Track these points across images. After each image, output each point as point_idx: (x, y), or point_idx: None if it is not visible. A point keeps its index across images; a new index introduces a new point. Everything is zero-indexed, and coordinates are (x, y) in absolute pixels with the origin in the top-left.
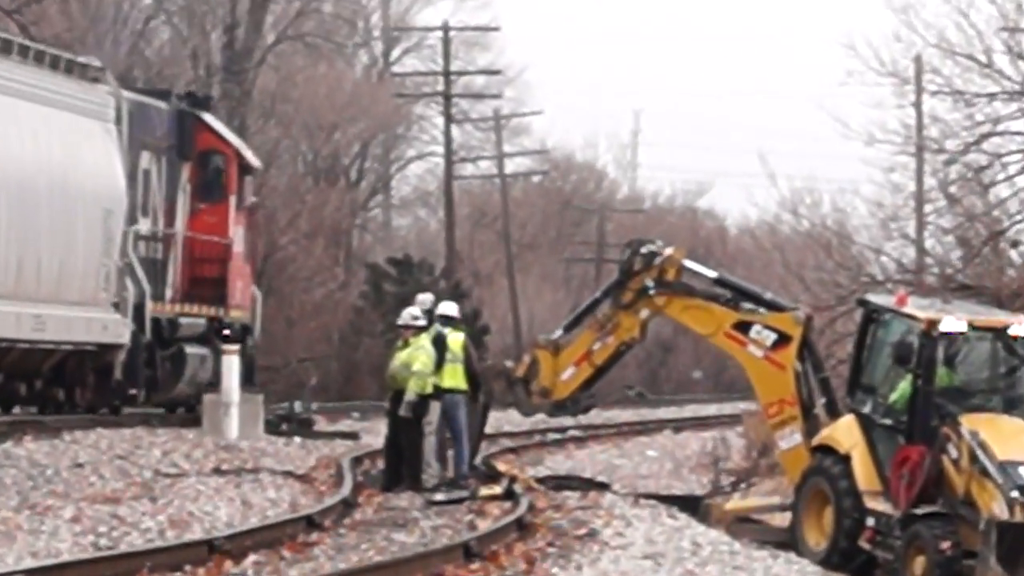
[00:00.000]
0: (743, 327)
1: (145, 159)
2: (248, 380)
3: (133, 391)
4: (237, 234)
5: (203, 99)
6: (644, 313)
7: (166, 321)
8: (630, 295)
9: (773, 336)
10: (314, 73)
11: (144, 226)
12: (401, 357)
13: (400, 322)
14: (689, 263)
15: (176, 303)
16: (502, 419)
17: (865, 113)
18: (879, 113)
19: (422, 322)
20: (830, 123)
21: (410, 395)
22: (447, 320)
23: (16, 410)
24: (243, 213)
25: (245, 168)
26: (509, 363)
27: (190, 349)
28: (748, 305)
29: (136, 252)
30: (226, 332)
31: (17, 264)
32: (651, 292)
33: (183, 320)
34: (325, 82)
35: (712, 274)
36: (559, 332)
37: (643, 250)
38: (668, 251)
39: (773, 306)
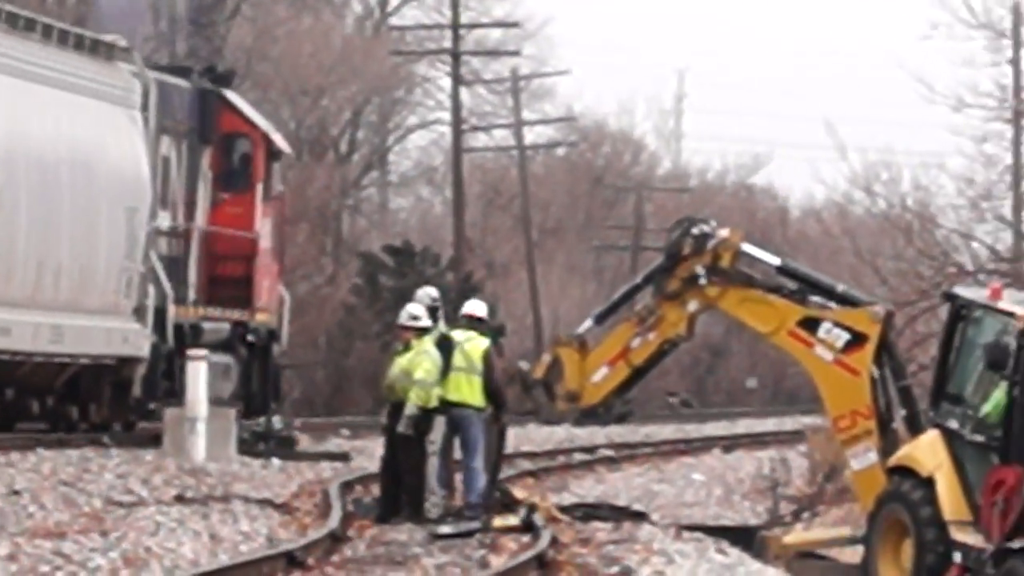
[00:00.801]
0: (810, 325)
1: (165, 145)
2: (274, 395)
3: (152, 405)
4: (264, 228)
5: (225, 75)
6: (693, 305)
7: (188, 327)
8: (677, 284)
9: (846, 336)
10: (297, 26)
11: (164, 221)
12: (401, 363)
13: (399, 322)
14: (748, 247)
15: (198, 306)
16: (520, 436)
17: (953, 73)
18: (969, 73)
19: (425, 322)
20: (911, 85)
21: (411, 408)
22: (473, 321)
23: None
24: (270, 204)
25: (273, 153)
26: (524, 364)
27: (213, 357)
28: (817, 299)
29: (156, 250)
30: (250, 338)
31: (37, 269)
32: (702, 281)
33: (206, 325)
34: (310, 37)
35: (775, 261)
36: (588, 324)
37: (694, 231)
38: (723, 233)
39: (846, 300)
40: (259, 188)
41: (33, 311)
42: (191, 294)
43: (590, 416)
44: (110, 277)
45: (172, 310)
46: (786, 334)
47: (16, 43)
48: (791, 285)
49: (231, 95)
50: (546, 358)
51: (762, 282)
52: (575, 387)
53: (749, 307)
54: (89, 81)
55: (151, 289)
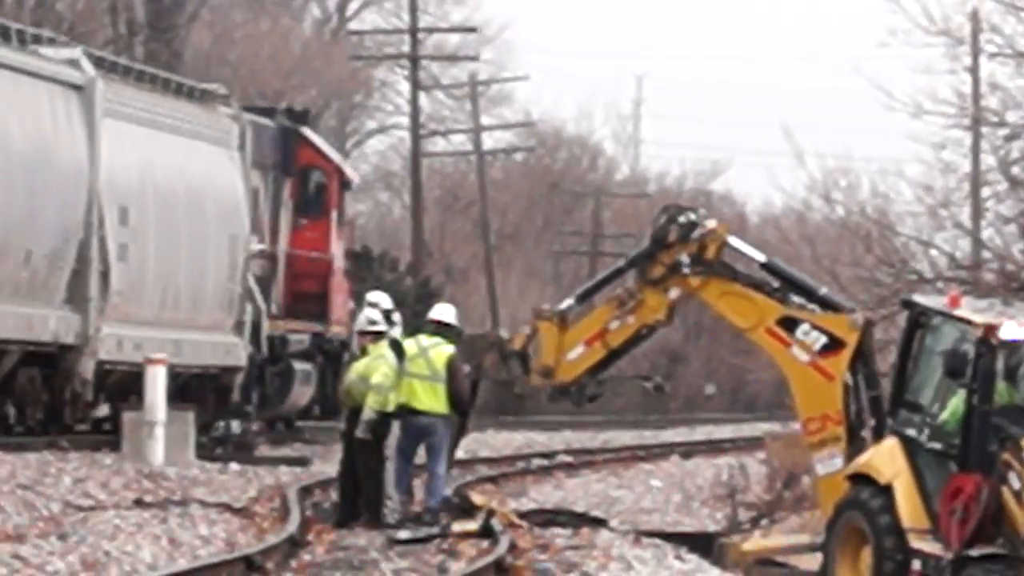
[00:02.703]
0: (789, 324)
1: (254, 177)
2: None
3: (248, 408)
4: (337, 250)
5: (302, 114)
6: (674, 293)
7: (277, 339)
8: (660, 270)
9: (823, 339)
10: (256, 30)
11: (255, 245)
12: (358, 368)
13: (356, 327)
14: (735, 241)
15: (284, 320)
16: (480, 442)
17: (911, 80)
18: (928, 79)
19: (382, 327)
20: (869, 92)
21: (368, 413)
22: (440, 327)
23: None
24: (342, 229)
25: (345, 183)
26: (504, 333)
27: (297, 365)
28: (798, 299)
29: (251, 272)
30: (326, 348)
31: (161, 292)
32: (686, 270)
33: (291, 337)
34: (269, 41)
35: (761, 257)
36: (569, 302)
37: (681, 219)
38: (711, 223)
39: (827, 304)
40: (333, 214)
41: (158, 328)
42: (275, 309)
43: (563, 394)
44: (216, 297)
45: (266, 324)
46: (764, 331)
47: (146, 97)
48: (774, 283)
49: (308, 132)
50: (526, 330)
51: (745, 277)
52: (550, 363)
53: (730, 300)
54: (198, 126)
55: (248, 307)
